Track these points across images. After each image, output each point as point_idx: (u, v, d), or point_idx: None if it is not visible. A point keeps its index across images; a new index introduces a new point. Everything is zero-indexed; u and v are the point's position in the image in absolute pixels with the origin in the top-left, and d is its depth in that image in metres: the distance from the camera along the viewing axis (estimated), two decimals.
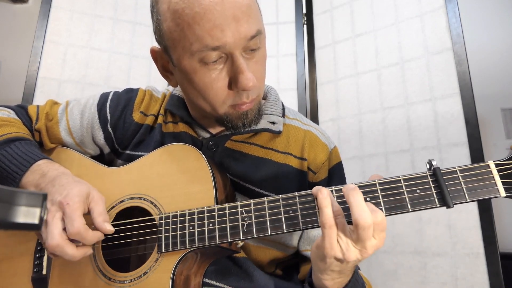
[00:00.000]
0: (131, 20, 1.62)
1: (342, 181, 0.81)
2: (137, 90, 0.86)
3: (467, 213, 1.17)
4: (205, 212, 0.63)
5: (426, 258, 1.23)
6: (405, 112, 1.35)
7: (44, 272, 0.70)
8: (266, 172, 0.75)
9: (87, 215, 0.64)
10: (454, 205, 0.53)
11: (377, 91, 1.43)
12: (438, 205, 0.54)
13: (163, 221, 0.65)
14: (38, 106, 0.85)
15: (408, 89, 1.36)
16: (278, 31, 1.66)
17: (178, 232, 0.64)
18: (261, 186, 0.74)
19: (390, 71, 1.41)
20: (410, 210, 0.55)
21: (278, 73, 1.61)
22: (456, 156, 1.21)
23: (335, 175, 0.79)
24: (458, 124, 1.23)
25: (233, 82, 0.64)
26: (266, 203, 0.61)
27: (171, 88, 0.86)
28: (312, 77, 1.61)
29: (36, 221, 0.43)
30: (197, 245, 0.62)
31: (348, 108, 1.49)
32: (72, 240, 0.61)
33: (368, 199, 0.56)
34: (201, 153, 0.69)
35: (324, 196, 0.55)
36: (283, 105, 0.84)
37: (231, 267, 0.72)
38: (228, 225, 0.61)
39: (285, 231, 0.59)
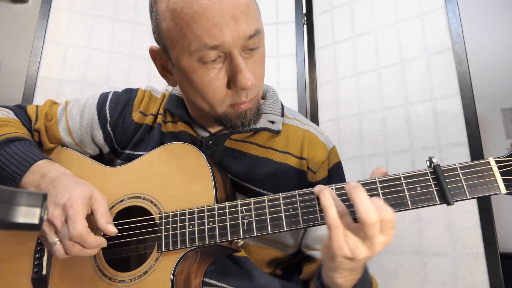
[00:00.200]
0: (131, 20, 1.62)
1: (342, 180, 0.81)
2: (136, 90, 0.86)
3: (467, 213, 1.17)
4: (205, 211, 0.63)
5: (426, 258, 1.23)
6: (405, 112, 1.35)
7: (44, 272, 0.70)
8: (265, 171, 0.75)
9: (90, 215, 0.65)
10: (455, 202, 0.53)
11: (377, 91, 1.43)
12: (438, 202, 0.54)
13: (163, 220, 0.65)
14: (37, 106, 0.85)
15: (408, 89, 1.36)
16: (278, 31, 1.66)
17: (178, 231, 0.64)
18: (260, 185, 0.74)
19: (390, 71, 1.41)
20: (411, 207, 0.55)
21: (278, 73, 1.61)
22: (456, 156, 1.21)
23: (334, 175, 0.79)
24: (458, 124, 1.23)
25: (232, 82, 0.64)
26: (266, 201, 0.61)
27: (170, 88, 0.86)
28: (312, 77, 1.61)
29: (36, 221, 0.43)
30: (197, 244, 0.62)
31: (348, 108, 1.49)
32: None
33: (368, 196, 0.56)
34: (200, 152, 0.69)
35: (326, 197, 0.54)
36: (282, 105, 0.84)
37: (231, 266, 0.72)
38: (228, 223, 0.61)
39: (285, 229, 0.59)
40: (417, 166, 1.30)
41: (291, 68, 1.61)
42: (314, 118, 1.55)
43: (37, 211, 0.42)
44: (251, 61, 0.66)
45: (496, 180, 0.53)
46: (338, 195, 0.57)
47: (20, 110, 0.84)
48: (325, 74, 1.58)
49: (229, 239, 0.61)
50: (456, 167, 0.55)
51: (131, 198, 0.71)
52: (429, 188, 0.55)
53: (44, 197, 0.43)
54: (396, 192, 0.56)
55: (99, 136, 0.82)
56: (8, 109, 0.83)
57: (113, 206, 0.71)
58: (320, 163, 0.77)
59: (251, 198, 0.62)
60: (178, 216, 0.65)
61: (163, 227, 0.65)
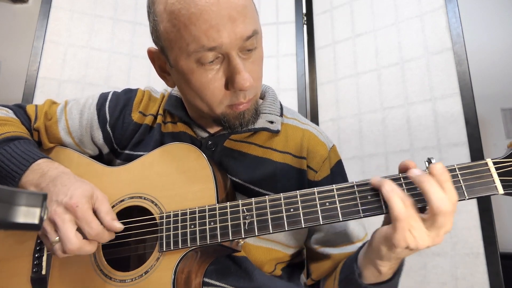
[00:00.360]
0: (131, 20, 1.62)
1: (344, 178, 0.81)
2: (136, 90, 0.86)
3: (467, 213, 1.17)
4: (207, 211, 0.63)
5: (426, 258, 1.23)
6: (405, 112, 1.35)
7: (43, 272, 0.70)
8: (265, 172, 0.75)
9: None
10: None
11: (377, 91, 1.43)
12: None
13: (164, 220, 0.65)
14: (36, 106, 0.85)
15: (408, 89, 1.36)
16: (278, 31, 1.66)
17: (180, 231, 0.64)
18: (260, 185, 0.74)
19: (390, 71, 1.41)
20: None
21: (278, 73, 1.61)
22: (456, 156, 1.21)
23: (337, 173, 0.79)
24: (458, 124, 1.23)
25: (230, 82, 0.64)
26: (267, 201, 0.61)
27: (169, 88, 0.86)
28: (312, 77, 1.61)
29: (36, 221, 0.42)
30: (198, 244, 0.62)
31: (348, 108, 1.49)
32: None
33: (369, 197, 0.57)
34: (201, 152, 0.69)
35: (389, 189, 0.53)
36: (281, 105, 0.84)
37: (231, 266, 0.72)
38: (229, 223, 0.61)
39: (286, 229, 0.59)
40: (417, 166, 1.29)
41: (291, 68, 1.60)
42: (314, 118, 1.55)
43: (37, 211, 0.42)
44: (249, 61, 0.66)
45: (494, 181, 0.54)
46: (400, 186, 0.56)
47: (20, 109, 0.84)
48: (325, 74, 1.58)
49: (231, 238, 0.61)
50: (455, 168, 0.55)
51: (132, 198, 0.71)
52: None
53: (44, 197, 0.43)
54: None
55: (99, 136, 0.82)
56: (7, 108, 0.83)
57: (113, 206, 0.71)
58: (321, 162, 0.77)
59: (252, 198, 0.62)
60: (179, 216, 0.65)
61: (164, 226, 0.65)
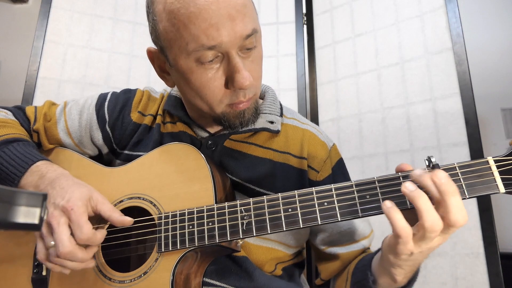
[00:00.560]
0: (131, 20, 1.62)
1: (346, 177, 0.81)
2: (135, 90, 0.86)
3: (467, 213, 1.17)
4: (205, 211, 0.63)
5: (426, 258, 1.23)
6: (405, 112, 1.35)
7: (44, 273, 0.70)
8: (265, 172, 0.75)
9: (90, 217, 0.64)
10: None
11: (377, 91, 1.43)
12: None
13: (163, 221, 0.65)
14: (36, 107, 0.85)
15: (408, 89, 1.36)
16: (278, 31, 1.66)
17: (178, 232, 0.64)
18: (260, 185, 0.74)
19: (390, 71, 1.41)
20: (409, 206, 0.55)
21: (278, 73, 1.61)
22: (456, 156, 1.21)
23: (338, 172, 0.79)
24: (458, 124, 1.23)
25: (230, 81, 0.64)
26: (265, 201, 0.61)
27: (169, 88, 0.86)
28: (312, 77, 1.61)
29: (36, 221, 0.43)
30: (196, 244, 0.62)
31: (348, 108, 1.49)
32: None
33: (368, 196, 0.56)
34: (200, 152, 0.69)
35: (390, 205, 0.52)
36: (281, 105, 0.84)
37: (231, 266, 0.72)
38: (227, 224, 0.61)
39: (284, 229, 0.59)
40: (417, 166, 1.29)
41: (291, 68, 1.60)
42: (314, 118, 1.55)
43: (37, 211, 0.42)
44: (248, 60, 0.66)
45: (495, 179, 0.53)
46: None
47: (19, 111, 0.84)
48: (325, 74, 1.58)
49: (229, 239, 0.61)
50: (455, 167, 0.55)
51: (131, 198, 0.71)
52: None
53: (44, 197, 0.43)
54: (396, 192, 0.56)
55: (98, 136, 0.82)
56: (6, 110, 0.83)
57: None
58: (323, 161, 0.77)
59: (251, 198, 0.62)
60: (178, 216, 0.65)
61: (163, 227, 0.65)
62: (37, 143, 0.83)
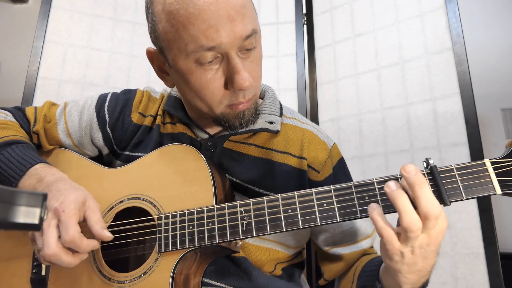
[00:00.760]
0: (131, 20, 1.62)
1: (347, 176, 0.81)
2: (135, 91, 0.86)
3: (467, 214, 1.17)
4: (205, 212, 0.63)
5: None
6: (405, 112, 1.35)
7: (43, 273, 0.70)
8: (265, 172, 0.75)
9: (83, 222, 0.64)
10: (451, 203, 0.53)
11: (377, 91, 1.43)
12: None
13: (163, 221, 0.65)
14: (35, 108, 0.85)
15: (408, 89, 1.36)
16: (278, 31, 1.66)
17: (178, 232, 0.64)
18: (260, 186, 0.74)
19: (390, 71, 1.41)
20: None
21: (278, 73, 1.61)
22: (456, 156, 1.21)
23: (339, 172, 0.79)
24: (458, 124, 1.23)
25: (229, 82, 0.64)
26: (265, 202, 0.61)
27: (169, 88, 0.86)
28: (312, 77, 1.61)
29: (36, 221, 0.43)
30: (196, 245, 0.62)
31: (348, 108, 1.49)
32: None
33: (366, 197, 0.57)
34: (200, 153, 0.69)
35: (375, 206, 0.53)
36: (280, 105, 0.84)
37: (230, 266, 0.72)
38: (227, 224, 0.61)
39: (284, 230, 0.59)
40: (417, 166, 1.29)
41: (291, 68, 1.60)
42: (314, 118, 1.55)
43: (37, 211, 0.43)
44: (248, 61, 0.66)
45: (491, 181, 0.54)
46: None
47: (19, 112, 0.84)
48: (325, 74, 1.58)
49: (229, 239, 0.61)
50: (453, 168, 0.55)
51: (131, 199, 0.71)
52: None
53: (44, 197, 0.43)
54: None
55: (98, 137, 0.82)
56: (6, 111, 0.83)
57: (112, 207, 0.71)
58: (323, 161, 0.77)
59: (250, 199, 0.62)
60: (178, 216, 0.65)
61: (163, 227, 0.65)
62: (37, 144, 0.83)
